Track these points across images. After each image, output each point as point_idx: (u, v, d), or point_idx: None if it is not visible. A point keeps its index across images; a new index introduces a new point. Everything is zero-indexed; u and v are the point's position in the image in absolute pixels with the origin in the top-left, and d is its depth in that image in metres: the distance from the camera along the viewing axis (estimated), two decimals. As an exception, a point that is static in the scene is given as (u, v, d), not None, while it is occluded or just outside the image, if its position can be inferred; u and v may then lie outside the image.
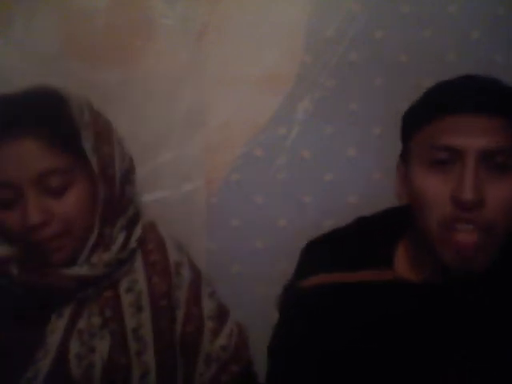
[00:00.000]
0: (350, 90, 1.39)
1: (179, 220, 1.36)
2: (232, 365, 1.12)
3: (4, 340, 1.04)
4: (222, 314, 1.15)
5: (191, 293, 1.12)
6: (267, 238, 1.40)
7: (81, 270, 1.05)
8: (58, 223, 1.02)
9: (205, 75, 1.39)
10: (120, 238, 1.09)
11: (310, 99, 1.39)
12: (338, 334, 0.99)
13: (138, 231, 1.11)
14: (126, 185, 1.11)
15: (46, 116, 1.03)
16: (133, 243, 1.10)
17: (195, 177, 1.39)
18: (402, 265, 1.02)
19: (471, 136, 0.92)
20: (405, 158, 1.00)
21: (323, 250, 1.09)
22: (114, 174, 1.07)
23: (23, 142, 1.01)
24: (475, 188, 0.90)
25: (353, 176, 1.39)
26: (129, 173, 1.12)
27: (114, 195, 1.08)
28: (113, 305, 1.07)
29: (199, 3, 1.39)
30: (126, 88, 1.35)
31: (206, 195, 1.39)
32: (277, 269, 1.38)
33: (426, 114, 0.97)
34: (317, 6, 1.38)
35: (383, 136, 1.39)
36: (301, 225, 1.39)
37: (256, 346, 1.23)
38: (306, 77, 1.39)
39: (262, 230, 1.40)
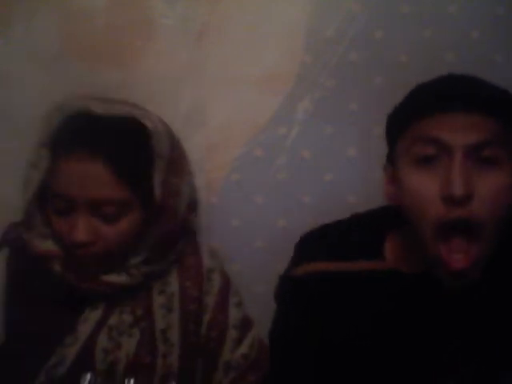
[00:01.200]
0: (350, 89, 1.39)
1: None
2: (249, 374, 1.13)
3: (38, 320, 1.08)
4: (245, 324, 1.16)
5: (219, 299, 1.14)
6: (267, 238, 1.40)
7: (119, 278, 1.08)
8: (102, 245, 1.05)
9: (205, 75, 1.39)
10: (166, 260, 1.12)
11: (309, 99, 1.39)
12: (333, 322, 1.00)
13: (180, 245, 1.14)
14: (190, 216, 1.14)
15: (121, 143, 1.04)
16: (173, 256, 1.13)
17: (195, 177, 1.39)
18: (394, 257, 1.02)
19: (459, 132, 0.92)
20: (391, 159, 1.01)
21: (316, 241, 1.10)
22: (177, 205, 1.09)
23: (92, 162, 1.02)
24: (464, 182, 0.90)
25: (353, 176, 1.39)
26: (193, 204, 1.14)
27: (175, 227, 1.10)
28: (144, 305, 1.10)
29: (199, 3, 1.38)
30: (125, 88, 1.35)
31: (206, 195, 1.39)
32: (277, 269, 1.38)
33: (415, 112, 0.97)
34: (317, 5, 1.38)
35: (383, 136, 1.39)
36: (301, 225, 1.39)
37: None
38: (306, 77, 1.39)
39: (262, 229, 1.40)
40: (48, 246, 1.07)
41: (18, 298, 1.10)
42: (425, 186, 0.93)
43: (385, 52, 1.38)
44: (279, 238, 1.39)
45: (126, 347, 1.07)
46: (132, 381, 0.86)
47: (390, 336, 0.97)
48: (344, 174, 1.40)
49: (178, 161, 1.11)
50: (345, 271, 1.02)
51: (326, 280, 1.03)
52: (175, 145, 1.12)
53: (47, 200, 1.06)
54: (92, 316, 1.08)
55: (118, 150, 1.04)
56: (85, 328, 1.08)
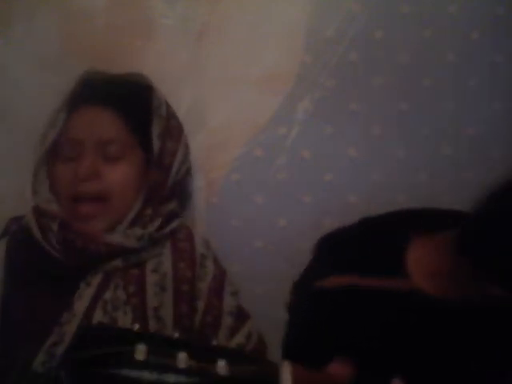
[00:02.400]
0: (350, 89, 1.39)
1: (179, 220, 1.36)
2: None
3: (34, 299, 1.10)
4: (242, 315, 1.17)
5: (213, 285, 1.16)
6: (267, 238, 1.40)
7: (114, 237, 1.12)
8: (100, 184, 1.12)
9: (205, 75, 1.39)
10: (157, 222, 1.15)
11: (309, 99, 1.39)
12: (360, 336, 0.98)
13: (175, 223, 1.17)
14: (182, 180, 1.19)
15: (129, 96, 1.15)
16: (167, 230, 1.16)
17: (195, 177, 1.39)
18: (419, 274, 1.00)
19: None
20: None
21: (337, 252, 1.08)
22: (171, 165, 1.16)
23: (102, 112, 1.13)
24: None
25: (353, 176, 1.39)
26: (186, 175, 1.20)
27: (165, 184, 1.16)
28: (137, 282, 1.12)
29: (199, 3, 1.39)
30: (125, 88, 1.35)
31: (205, 195, 1.39)
32: (277, 269, 1.38)
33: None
34: (317, 5, 1.38)
35: (383, 136, 1.39)
36: (301, 225, 1.39)
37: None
38: (306, 77, 1.39)
39: (262, 229, 1.40)
40: (52, 206, 1.13)
41: (17, 282, 1.13)
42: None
43: (385, 52, 1.38)
44: (279, 238, 1.39)
45: (121, 323, 1.08)
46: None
47: (416, 357, 0.95)
48: (344, 174, 1.40)
49: (174, 127, 1.18)
50: (372, 287, 1.01)
51: (355, 294, 1.01)
52: (173, 114, 1.20)
53: (57, 156, 1.14)
54: (87, 292, 1.11)
55: (124, 100, 1.15)
56: (81, 304, 1.10)
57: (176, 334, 0.67)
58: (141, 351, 0.63)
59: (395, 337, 0.96)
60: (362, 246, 1.05)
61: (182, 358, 0.64)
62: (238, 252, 1.40)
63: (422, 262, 1.00)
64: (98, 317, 1.09)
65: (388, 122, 1.39)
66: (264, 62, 1.39)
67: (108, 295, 1.11)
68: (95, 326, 0.97)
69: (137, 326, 0.65)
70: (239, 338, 1.14)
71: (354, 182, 1.39)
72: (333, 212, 1.37)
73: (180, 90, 1.39)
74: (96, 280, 1.12)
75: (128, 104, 1.15)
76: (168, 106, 1.19)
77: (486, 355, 0.93)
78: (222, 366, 0.65)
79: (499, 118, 1.38)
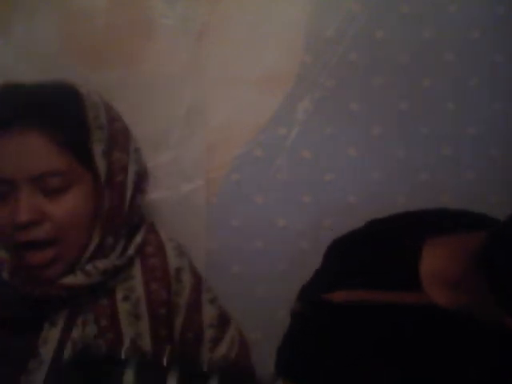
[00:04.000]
0: (350, 89, 1.39)
1: (179, 220, 1.36)
2: None
3: None
4: (223, 322, 1.10)
5: (191, 299, 1.07)
6: (267, 237, 1.40)
7: (75, 278, 0.99)
8: (49, 226, 0.96)
9: (205, 75, 1.39)
10: (119, 246, 1.04)
11: (309, 99, 1.39)
12: (365, 353, 0.96)
13: (138, 238, 1.06)
14: (137, 194, 1.05)
15: (55, 111, 0.97)
16: (131, 250, 1.05)
17: (195, 177, 1.39)
18: (432, 286, 0.96)
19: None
20: None
21: (346, 261, 1.05)
22: (125, 181, 1.02)
23: (26, 136, 0.94)
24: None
25: (353, 176, 1.39)
26: (142, 182, 1.06)
27: (122, 204, 1.02)
28: (109, 313, 1.02)
29: (199, 3, 1.38)
30: (125, 88, 1.35)
31: (205, 195, 1.39)
32: (277, 269, 1.38)
33: None
34: (317, 6, 1.38)
35: (383, 136, 1.39)
36: (301, 225, 1.39)
37: (256, 346, 1.23)
38: (306, 77, 1.39)
39: (262, 229, 1.40)
40: (1, 254, 0.99)
41: None
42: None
43: (385, 52, 1.38)
44: (279, 238, 1.39)
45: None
46: None
47: (425, 375, 0.92)
48: (344, 174, 1.39)
49: (119, 134, 1.03)
50: (383, 303, 0.97)
51: (365, 309, 0.97)
52: (115, 117, 1.04)
53: None
54: (53, 333, 0.99)
55: (50, 117, 0.96)
56: (48, 348, 0.98)
57: (164, 359, 0.64)
58: (129, 376, 0.60)
59: (404, 354, 0.93)
60: (373, 255, 1.02)
61: (172, 383, 0.62)
62: (238, 252, 1.40)
63: (437, 272, 0.96)
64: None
65: (388, 122, 1.39)
66: (264, 62, 1.39)
67: (76, 333, 0.99)
68: (82, 352, 0.87)
69: (125, 351, 0.62)
70: (222, 349, 1.07)
71: (354, 182, 1.39)
72: (333, 212, 1.37)
73: (180, 89, 1.39)
74: (61, 318, 1.00)
75: (58, 122, 0.96)
76: (108, 110, 1.04)
77: (500, 372, 0.90)
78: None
79: (499, 118, 1.38)
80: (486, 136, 1.38)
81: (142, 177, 1.07)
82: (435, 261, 0.97)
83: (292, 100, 1.40)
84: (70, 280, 0.99)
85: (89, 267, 1.00)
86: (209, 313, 1.09)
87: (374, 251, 1.03)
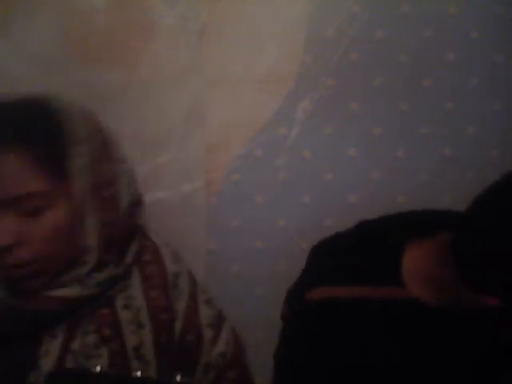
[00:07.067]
0: (350, 89, 1.39)
1: (179, 220, 1.36)
2: (229, 371, 1.08)
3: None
4: (219, 321, 1.10)
5: (189, 303, 1.06)
6: (267, 237, 1.40)
7: (70, 291, 0.97)
8: (30, 247, 0.94)
9: (205, 75, 1.39)
10: (115, 255, 1.01)
11: (309, 99, 1.39)
12: (350, 349, 0.97)
13: (135, 246, 1.04)
14: (133, 209, 1.03)
15: (29, 130, 0.94)
16: (129, 258, 1.03)
17: (195, 177, 1.39)
18: (413, 280, 0.98)
19: None
20: None
21: (329, 260, 1.05)
22: (115, 194, 0.99)
23: (1, 158, 0.92)
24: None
25: (353, 176, 1.39)
26: (135, 197, 1.03)
27: (115, 217, 0.99)
28: (110, 322, 1.00)
29: (199, 3, 1.38)
30: (125, 88, 1.35)
31: (205, 195, 1.39)
32: (277, 269, 1.38)
33: None
34: (317, 6, 1.38)
35: (383, 136, 1.39)
36: (301, 225, 1.39)
37: (255, 346, 1.22)
38: (306, 77, 1.39)
39: (262, 229, 1.40)
40: None
41: None
42: None
43: (385, 52, 1.38)
44: (279, 238, 1.39)
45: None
46: None
47: (408, 369, 0.93)
48: (344, 174, 1.40)
49: (104, 146, 0.99)
50: (363, 298, 0.99)
51: (344, 306, 0.98)
52: (97, 129, 0.99)
53: None
54: (53, 346, 0.97)
55: (26, 136, 0.93)
56: (48, 361, 0.97)
57: (178, 377, 0.63)
58: None
59: (389, 348, 0.94)
60: (355, 255, 1.03)
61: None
62: (238, 252, 1.40)
63: (417, 269, 0.98)
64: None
65: (388, 122, 1.39)
66: (264, 62, 1.39)
67: (76, 344, 0.97)
68: (58, 371, 0.89)
69: (99, 367, 0.61)
70: (220, 348, 1.07)
71: (354, 182, 1.39)
72: (333, 212, 1.37)
73: (180, 90, 1.39)
74: (61, 330, 0.98)
75: (32, 141, 0.93)
76: (89, 122, 0.99)
77: (482, 362, 0.92)
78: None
79: (499, 118, 1.38)
80: (486, 136, 1.38)
81: (135, 192, 1.05)
82: (417, 258, 0.99)
83: (292, 100, 1.40)
84: (64, 292, 0.97)
85: (86, 279, 0.98)
86: (205, 314, 1.09)
87: (358, 249, 1.04)
